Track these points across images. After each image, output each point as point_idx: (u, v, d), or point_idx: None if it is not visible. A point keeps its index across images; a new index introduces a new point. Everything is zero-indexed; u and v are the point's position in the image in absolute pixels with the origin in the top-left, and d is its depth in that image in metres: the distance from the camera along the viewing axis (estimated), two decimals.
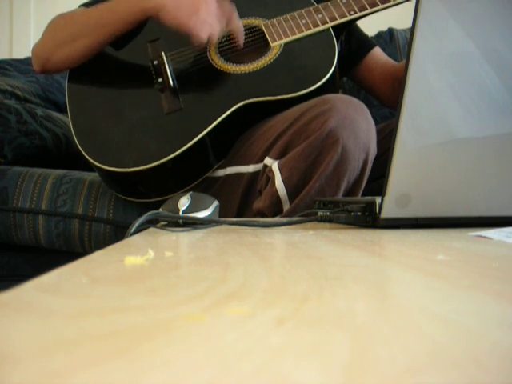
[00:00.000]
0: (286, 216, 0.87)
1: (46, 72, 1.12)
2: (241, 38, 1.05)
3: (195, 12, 0.96)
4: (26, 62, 1.57)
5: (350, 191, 0.88)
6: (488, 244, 0.45)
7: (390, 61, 1.25)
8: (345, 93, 1.52)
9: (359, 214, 0.60)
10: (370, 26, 1.47)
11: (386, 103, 1.27)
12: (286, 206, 0.88)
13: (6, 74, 1.52)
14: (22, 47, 2.17)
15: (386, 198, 0.57)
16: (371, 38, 1.57)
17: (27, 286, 0.24)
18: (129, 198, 1.07)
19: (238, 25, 1.04)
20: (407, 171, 0.56)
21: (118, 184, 1.05)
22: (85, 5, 1.13)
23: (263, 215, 0.91)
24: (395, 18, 1.63)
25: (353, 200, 0.63)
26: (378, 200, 0.58)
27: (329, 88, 1.01)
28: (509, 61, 0.57)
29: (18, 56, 1.75)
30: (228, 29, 1.03)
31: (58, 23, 1.09)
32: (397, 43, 1.59)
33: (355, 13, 1.06)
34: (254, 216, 0.93)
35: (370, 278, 0.30)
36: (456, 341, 0.17)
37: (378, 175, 0.90)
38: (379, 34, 1.61)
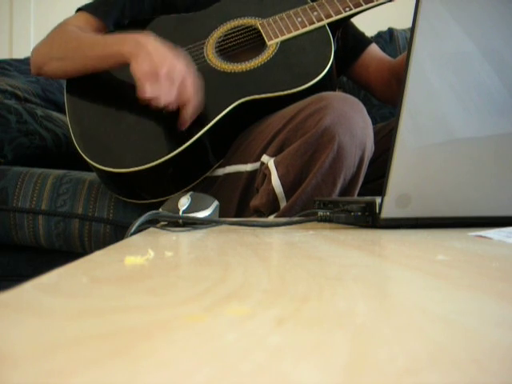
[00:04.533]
0: (282, 213, 0.87)
1: (41, 76, 1.18)
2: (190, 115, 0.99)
3: (155, 67, 0.93)
4: (26, 61, 1.57)
5: (347, 188, 0.87)
6: (488, 244, 0.45)
7: (386, 57, 1.26)
8: (345, 92, 1.52)
9: (359, 214, 0.60)
10: (370, 26, 1.48)
11: (382, 99, 1.29)
12: (283, 204, 0.88)
13: (6, 73, 1.52)
14: (22, 47, 2.18)
15: (386, 198, 0.57)
16: (371, 38, 1.57)
17: (27, 285, 0.24)
18: (128, 200, 1.07)
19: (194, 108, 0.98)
20: (407, 171, 0.56)
21: (118, 185, 1.05)
22: (84, 8, 1.14)
23: (260, 213, 0.91)
24: (395, 18, 1.63)
25: (353, 200, 0.63)
26: (377, 200, 0.58)
27: (326, 85, 1.01)
28: (509, 61, 0.57)
29: (18, 56, 1.76)
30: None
31: (57, 36, 1.11)
32: (397, 43, 1.59)
33: (350, 9, 1.07)
34: (251, 214, 0.93)
35: (369, 278, 0.30)
36: (456, 341, 0.17)
37: (378, 175, 0.90)
38: (379, 34, 1.62)
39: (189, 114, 0.97)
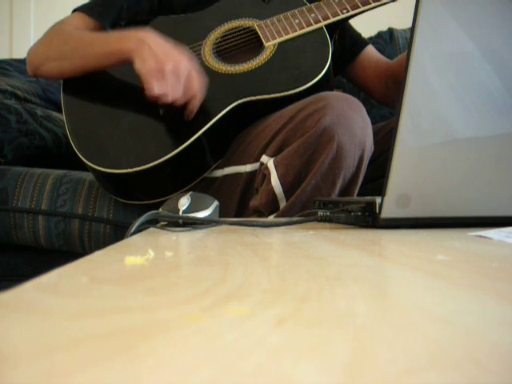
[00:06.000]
0: (282, 213, 0.87)
1: (37, 77, 1.18)
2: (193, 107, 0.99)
3: (161, 64, 0.93)
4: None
5: (346, 188, 0.87)
6: (488, 244, 0.45)
7: (383, 58, 1.26)
8: (344, 92, 1.52)
9: (359, 214, 0.60)
10: (370, 26, 1.48)
11: (379, 100, 1.29)
12: (283, 204, 0.88)
13: (6, 73, 1.52)
14: (22, 47, 2.17)
15: (386, 198, 0.57)
16: (371, 38, 1.57)
17: (27, 285, 0.24)
18: (127, 201, 1.06)
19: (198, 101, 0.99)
20: (407, 171, 0.56)
21: (115, 187, 1.05)
22: (80, 9, 1.13)
23: (260, 213, 0.91)
24: (395, 18, 1.63)
25: (353, 200, 0.63)
26: (378, 200, 0.58)
27: (324, 86, 1.01)
28: (509, 61, 0.57)
29: (18, 56, 1.76)
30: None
31: (54, 36, 1.10)
32: (397, 43, 1.59)
33: (348, 11, 1.07)
34: (251, 214, 0.93)
35: (369, 278, 0.30)
36: (456, 341, 0.17)
37: (378, 175, 0.90)
38: (379, 34, 1.62)
39: (195, 107, 0.98)
